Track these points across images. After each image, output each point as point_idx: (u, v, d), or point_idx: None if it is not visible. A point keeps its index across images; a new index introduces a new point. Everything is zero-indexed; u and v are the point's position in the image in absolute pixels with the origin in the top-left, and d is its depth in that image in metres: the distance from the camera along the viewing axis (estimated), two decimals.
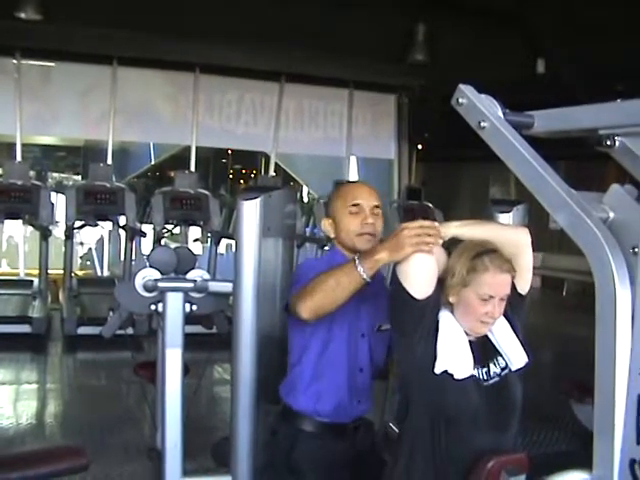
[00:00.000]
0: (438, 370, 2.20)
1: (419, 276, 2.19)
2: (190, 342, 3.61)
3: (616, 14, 8.03)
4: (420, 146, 13.35)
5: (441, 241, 2.23)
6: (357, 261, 2.28)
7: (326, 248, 9.07)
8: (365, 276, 2.26)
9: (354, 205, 2.60)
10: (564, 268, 12.39)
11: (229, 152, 16.02)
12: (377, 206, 2.62)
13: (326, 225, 2.70)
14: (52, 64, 10.16)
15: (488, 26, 9.58)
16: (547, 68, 10.17)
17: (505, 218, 3.46)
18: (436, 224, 2.24)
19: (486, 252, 2.23)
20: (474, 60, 9.68)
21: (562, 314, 10.99)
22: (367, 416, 2.78)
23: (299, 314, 2.39)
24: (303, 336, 2.62)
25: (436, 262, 2.22)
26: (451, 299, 2.26)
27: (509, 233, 2.42)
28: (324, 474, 2.65)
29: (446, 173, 15.72)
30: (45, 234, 8.48)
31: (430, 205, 10.00)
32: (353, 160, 12.01)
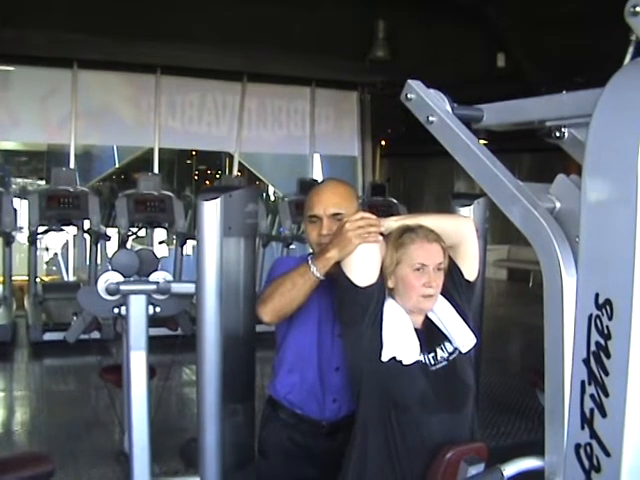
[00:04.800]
0: (385, 358, 2.24)
1: (360, 264, 2.26)
2: (156, 344, 3.61)
3: (574, 8, 8.14)
4: (383, 142, 13.40)
5: (382, 233, 2.29)
6: (310, 261, 2.37)
7: (292, 247, 9.12)
8: (319, 275, 2.36)
9: (311, 216, 2.61)
10: (530, 260, 12.50)
11: (193, 153, 15.94)
12: (337, 213, 2.54)
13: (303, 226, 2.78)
14: (11, 68, 10.06)
15: (448, 21, 9.67)
16: (507, 62, 10.28)
17: (466, 211, 3.50)
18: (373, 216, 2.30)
19: (410, 228, 2.31)
20: (435, 55, 9.77)
21: (529, 305, 11.08)
22: None
23: (261, 318, 2.50)
24: (283, 326, 2.69)
25: (379, 252, 2.28)
26: (390, 283, 2.32)
27: (449, 222, 2.47)
28: (284, 463, 2.71)
29: (410, 168, 15.78)
30: (8, 240, 8.38)
31: (395, 201, 10.06)
32: (317, 158, 12.04)
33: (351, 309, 2.29)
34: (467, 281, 2.44)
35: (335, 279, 2.34)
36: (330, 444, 2.64)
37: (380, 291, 2.29)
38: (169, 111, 10.68)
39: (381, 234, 2.29)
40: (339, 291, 2.33)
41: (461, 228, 2.43)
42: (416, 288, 2.27)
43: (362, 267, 2.26)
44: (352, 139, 12.00)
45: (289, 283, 2.41)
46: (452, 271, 2.38)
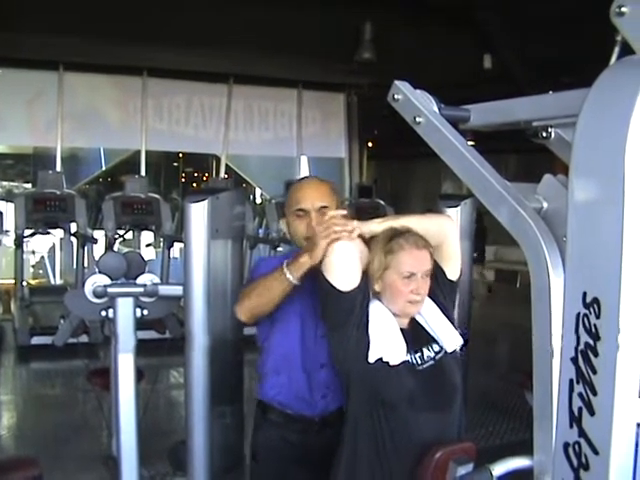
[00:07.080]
0: (372, 359, 2.24)
1: (339, 266, 2.24)
2: (144, 348, 3.60)
3: (561, 10, 8.17)
4: (371, 144, 13.41)
5: (358, 235, 2.28)
6: (285, 266, 2.37)
7: (280, 249, 9.10)
8: (292, 279, 2.36)
9: (298, 210, 2.61)
10: (517, 260, 12.53)
11: (180, 155, 15.91)
12: (324, 206, 2.58)
13: (282, 225, 2.78)
14: None
15: (435, 23, 9.66)
16: (495, 63, 10.30)
17: (453, 212, 3.51)
18: (345, 211, 2.34)
19: (399, 234, 2.30)
20: (422, 57, 9.77)
21: (516, 306, 11.11)
22: None
23: (237, 317, 2.52)
24: (265, 326, 2.68)
25: (359, 255, 2.27)
26: (376, 287, 2.31)
27: (431, 222, 2.46)
28: (278, 465, 2.70)
29: (397, 170, 15.82)
30: None
31: (382, 202, 10.06)
32: (304, 160, 12.02)
33: (335, 313, 2.28)
34: (450, 281, 2.45)
35: (316, 277, 2.32)
36: (322, 440, 2.63)
37: (364, 293, 2.28)
38: (156, 113, 10.64)
39: (363, 237, 2.28)
40: (321, 295, 2.31)
41: (443, 228, 2.44)
42: (404, 294, 2.28)
43: (342, 270, 2.24)
44: (339, 141, 11.98)
45: (264, 286, 2.43)
46: (436, 272, 2.38)
